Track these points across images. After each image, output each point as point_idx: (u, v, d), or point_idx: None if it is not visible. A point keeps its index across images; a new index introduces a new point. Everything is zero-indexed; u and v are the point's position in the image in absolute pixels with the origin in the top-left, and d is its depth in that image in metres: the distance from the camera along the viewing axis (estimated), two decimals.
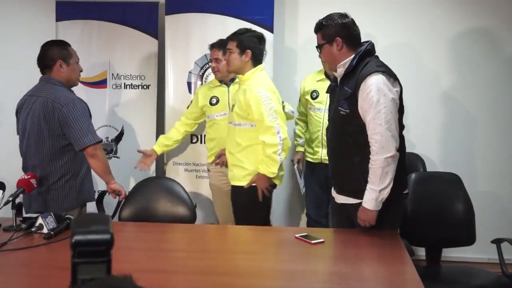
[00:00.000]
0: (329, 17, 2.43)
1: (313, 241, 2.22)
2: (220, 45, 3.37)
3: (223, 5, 3.86)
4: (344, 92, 2.38)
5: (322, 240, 2.23)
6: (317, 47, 2.49)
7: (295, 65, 4.12)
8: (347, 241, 2.30)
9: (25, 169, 2.79)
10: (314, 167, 3.62)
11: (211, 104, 3.52)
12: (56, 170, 2.74)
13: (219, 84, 3.53)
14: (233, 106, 3.12)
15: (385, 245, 2.21)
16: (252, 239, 2.45)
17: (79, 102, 2.75)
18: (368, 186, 2.30)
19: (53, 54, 2.80)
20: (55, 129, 2.68)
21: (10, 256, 2.04)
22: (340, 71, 2.42)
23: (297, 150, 3.76)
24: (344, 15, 2.43)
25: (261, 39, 3.09)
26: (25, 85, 2.93)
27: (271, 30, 3.84)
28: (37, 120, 2.70)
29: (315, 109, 3.55)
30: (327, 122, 3.26)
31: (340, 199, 2.52)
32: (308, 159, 3.66)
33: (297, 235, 2.29)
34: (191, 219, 2.82)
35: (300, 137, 3.73)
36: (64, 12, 4.00)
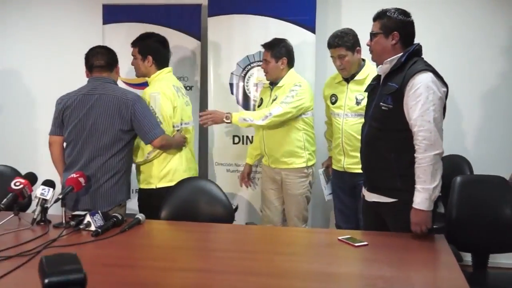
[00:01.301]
0: (393, 10, 2.41)
1: (356, 244, 2.19)
2: (268, 46, 3.39)
3: (265, 6, 3.87)
4: (388, 88, 2.36)
5: (366, 243, 2.20)
6: (371, 34, 2.46)
7: None
8: (392, 244, 2.25)
9: (73, 165, 2.83)
10: (340, 176, 3.43)
11: (258, 106, 3.55)
12: (114, 165, 2.82)
13: (268, 86, 3.52)
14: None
15: (431, 249, 2.16)
16: (294, 241, 2.44)
17: (143, 98, 2.92)
18: (419, 186, 2.25)
19: (116, 58, 2.97)
20: (127, 124, 2.79)
21: (60, 252, 2.10)
22: (385, 68, 2.41)
23: (329, 155, 3.65)
24: (407, 13, 2.42)
25: (164, 43, 3.20)
26: (74, 85, 2.99)
27: (313, 31, 3.82)
28: (107, 116, 2.78)
29: (334, 115, 3.38)
30: (346, 130, 3.25)
31: (372, 197, 2.49)
32: (334, 167, 3.49)
33: (340, 238, 2.27)
34: (229, 219, 2.84)
35: (331, 141, 3.57)
36: (110, 15, 4.11)
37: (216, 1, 3.97)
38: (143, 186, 3.10)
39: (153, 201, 2.93)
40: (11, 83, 4.66)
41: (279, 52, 3.37)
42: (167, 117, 3.02)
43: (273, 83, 3.46)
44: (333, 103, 3.37)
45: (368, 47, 2.50)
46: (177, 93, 3.10)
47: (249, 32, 3.90)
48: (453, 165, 3.51)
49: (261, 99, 3.55)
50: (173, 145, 3.06)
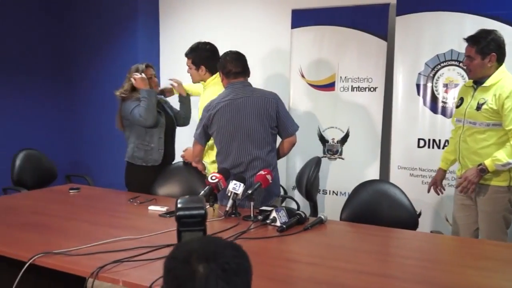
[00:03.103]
0: None
1: None
2: (473, 41, 2.92)
3: (460, 1, 3.63)
4: None
5: None
6: None
7: None
8: None
9: (236, 168, 2.93)
10: None
11: (457, 106, 3.13)
12: (271, 161, 2.95)
13: (471, 84, 3.06)
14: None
15: None
16: (489, 255, 2.22)
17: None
18: None
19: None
20: (273, 121, 2.94)
21: (248, 243, 2.24)
22: None
23: None
24: None
25: (214, 52, 3.38)
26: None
27: None
28: (258, 116, 2.91)
29: None
30: None
31: None
32: None
33: None
34: (412, 225, 2.71)
35: None
36: (298, 20, 4.25)
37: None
38: None
39: None
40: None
41: (487, 48, 2.88)
42: None
43: (477, 82, 3.00)
44: None
45: None
46: None
47: (440, 30, 3.70)
48: None
49: (461, 99, 3.10)
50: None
